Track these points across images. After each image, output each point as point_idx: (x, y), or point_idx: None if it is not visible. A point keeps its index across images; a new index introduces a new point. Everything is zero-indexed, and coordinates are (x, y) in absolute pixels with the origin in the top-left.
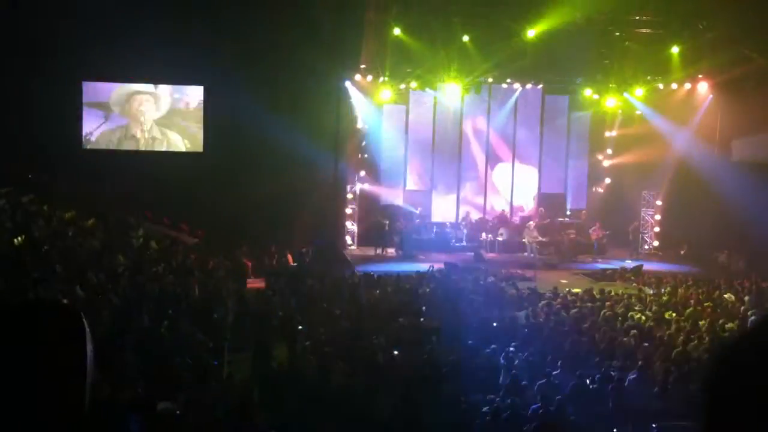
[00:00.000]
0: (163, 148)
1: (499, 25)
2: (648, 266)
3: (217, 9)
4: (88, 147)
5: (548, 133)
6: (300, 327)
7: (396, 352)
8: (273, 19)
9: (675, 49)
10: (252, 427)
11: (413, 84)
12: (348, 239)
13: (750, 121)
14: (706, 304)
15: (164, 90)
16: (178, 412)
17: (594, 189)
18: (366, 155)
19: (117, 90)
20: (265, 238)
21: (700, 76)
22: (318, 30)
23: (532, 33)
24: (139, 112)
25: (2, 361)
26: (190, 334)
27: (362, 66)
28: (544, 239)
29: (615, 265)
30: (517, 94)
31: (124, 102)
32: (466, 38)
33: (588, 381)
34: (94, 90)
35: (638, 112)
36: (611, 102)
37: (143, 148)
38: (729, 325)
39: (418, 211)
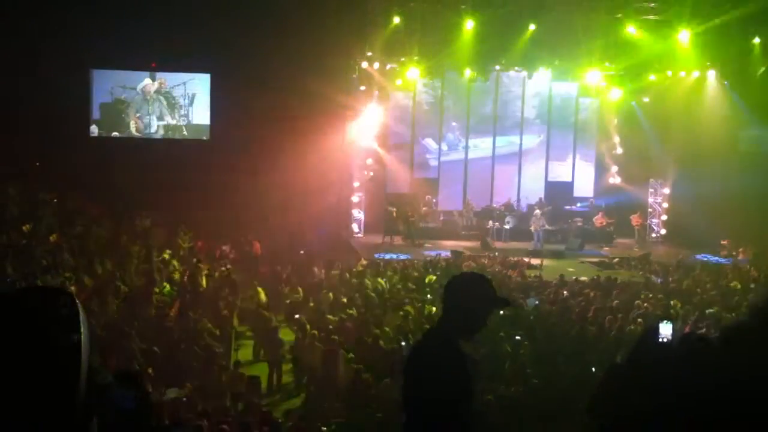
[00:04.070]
0: (167, 135)
1: (506, 11)
2: (655, 254)
3: None
4: (106, 134)
5: (555, 120)
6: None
7: (403, 343)
8: (279, 5)
9: (684, 37)
10: (257, 413)
11: (420, 71)
12: (355, 227)
13: (758, 110)
14: (712, 292)
15: (167, 77)
16: (185, 398)
17: (601, 177)
18: (374, 143)
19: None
20: (270, 227)
21: (708, 64)
22: (325, 17)
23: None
24: (150, 99)
25: None
26: (196, 322)
27: (369, 53)
28: (550, 227)
29: (622, 253)
30: (524, 81)
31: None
32: (470, 24)
33: (594, 369)
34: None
35: (646, 100)
36: (619, 90)
37: (152, 135)
38: (735, 314)
39: (426, 199)
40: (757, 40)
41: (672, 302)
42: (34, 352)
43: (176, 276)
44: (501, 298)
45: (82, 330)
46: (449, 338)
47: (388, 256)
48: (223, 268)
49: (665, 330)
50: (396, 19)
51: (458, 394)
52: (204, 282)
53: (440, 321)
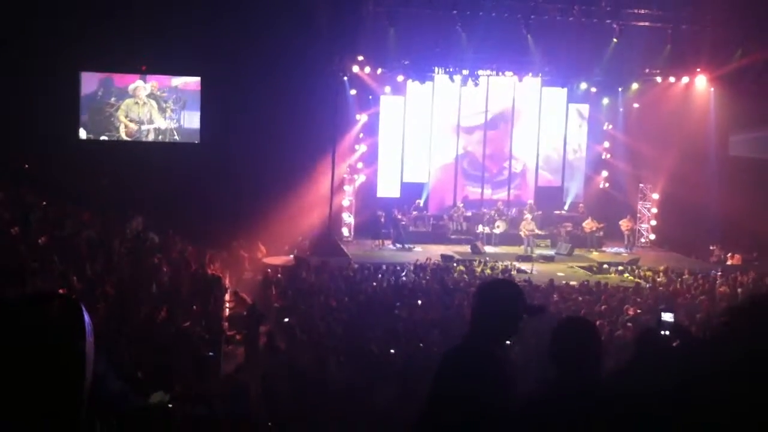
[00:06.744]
0: (157, 139)
1: (497, 18)
2: (644, 259)
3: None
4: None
5: (545, 126)
6: (286, 320)
7: (393, 351)
8: (270, 9)
9: (673, 43)
10: (247, 419)
11: (410, 76)
12: (345, 231)
13: (748, 116)
14: (701, 297)
15: (158, 80)
16: (170, 405)
17: (591, 182)
18: (364, 146)
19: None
20: (261, 230)
21: (698, 70)
22: (316, 21)
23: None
24: (140, 102)
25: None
26: (186, 326)
27: (359, 57)
28: (540, 232)
29: (611, 258)
30: (515, 86)
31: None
32: (461, 30)
33: None
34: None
35: (636, 106)
36: (609, 95)
37: (143, 139)
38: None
39: (416, 204)
40: (745, 46)
41: (661, 307)
42: (42, 356)
43: (166, 280)
44: (534, 306)
45: (87, 338)
46: (485, 348)
47: (378, 260)
48: (213, 272)
49: (667, 317)
50: (387, 24)
51: (495, 405)
52: (194, 285)
53: (472, 330)
